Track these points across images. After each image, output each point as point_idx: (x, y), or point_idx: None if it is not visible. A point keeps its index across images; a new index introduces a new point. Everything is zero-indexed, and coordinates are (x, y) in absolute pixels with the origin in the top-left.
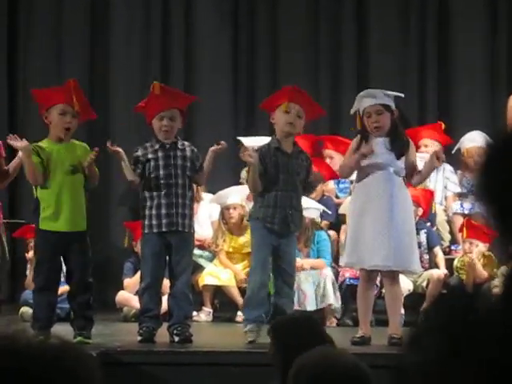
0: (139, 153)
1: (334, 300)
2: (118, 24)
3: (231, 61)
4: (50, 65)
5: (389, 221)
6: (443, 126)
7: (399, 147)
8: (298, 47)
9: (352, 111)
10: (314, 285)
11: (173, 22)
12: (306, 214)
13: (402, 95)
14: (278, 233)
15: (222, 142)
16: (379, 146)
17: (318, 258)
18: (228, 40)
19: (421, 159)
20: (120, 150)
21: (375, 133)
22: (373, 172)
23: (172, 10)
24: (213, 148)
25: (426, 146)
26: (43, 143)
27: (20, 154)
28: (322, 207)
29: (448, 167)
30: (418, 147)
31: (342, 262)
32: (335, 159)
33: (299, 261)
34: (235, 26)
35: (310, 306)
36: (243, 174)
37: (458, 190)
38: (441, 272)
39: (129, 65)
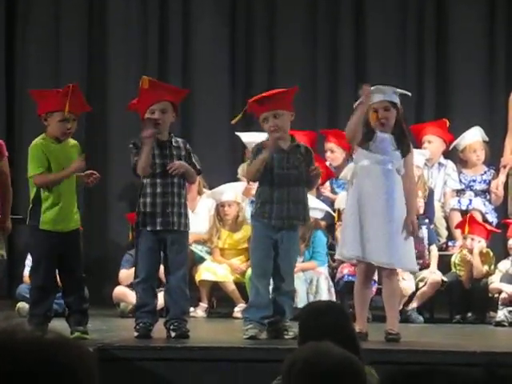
0: (138, 146)
1: (327, 297)
2: (115, 21)
3: (228, 56)
4: (47, 64)
5: (388, 219)
6: (448, 123)
7: (404, 145)
8: (296, 42)
9: (355, 105)
10: (307, 282)
11: (170, 18)
12: (310, 213)
13: (410, 94)
14: (274, 227)
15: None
16: (385, 142)
17: (312, 258)
18: (225, 36)
19: (422, 155)
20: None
21: (379, 128)
22: (374, 167)
23: (170, 5)
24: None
25: (429, 142)
26: (43, 140)
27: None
28: (327, 208)
29: (450, 164)
30: (421, 143)
31: (340, 254)
32: (336, 153)
33: None
34: (233, 22)
35: (301, 302)
36: (240, 169)
37: (458, 186)
38: (439, 277)
39: (126, 60)
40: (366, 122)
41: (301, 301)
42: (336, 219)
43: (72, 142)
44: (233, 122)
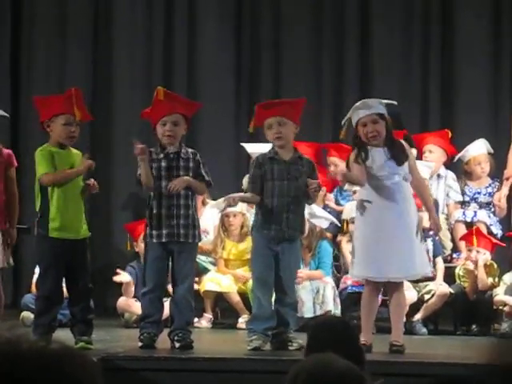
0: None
1: (332, 306)
2: (120, 30)
3: (234, 67)
4: (53, 72)
5: (408, 229)
6: (450, 134)
7: (398, 154)
8: (301, 53)
9: (343, 121)
10: (313, 292)
11: (175, 28)
12: (316, 222)
13: (396, 103)
14: (275, 239)
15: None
16: (380, 157)
17: (318, 267)
18: (230, 45)
19: (428, 168)
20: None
21: (371, 142)
22: (382, 184)
23: (175, 15)
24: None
25: (430, 151)
26: (49, 147)
27: None
28: (332, 218)
29: (450, 175)
30: (422, 152)
31: (352, 273)
32: (340, 167)
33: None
34: (238, 32)
35: (308, 312)
36: (245, 180)
37: (460, 198)
38: (447, 290)
39: (132, 70)
40: (359, 140)
41: (307, 311)
42: (344, 230)
43: (74, 151)
44: (250, 130)
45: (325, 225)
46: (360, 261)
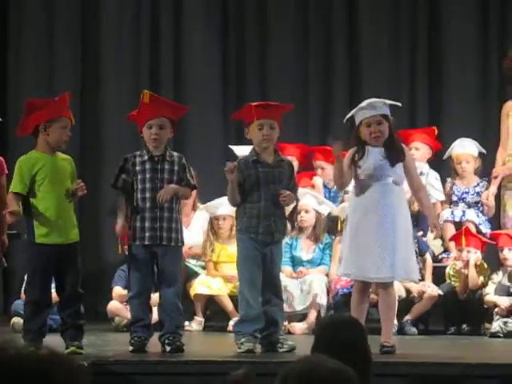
0: (128, 162)
1: (319, 291)
2: (108, 32)
3: (221, 70)
4: (40, 78)
5: (391, 232)
6: (436, 131)
7: (394, 155)
8: (288, 59)
9: (345, 119)
10: (300, 284)
11: (162, 34)
12: (321, 210)
13: (400, 105)
14: (262, 242)
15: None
16: (374, 156)
17: (321, 259)
18: (217, 48)
19: (418, 168)
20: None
21: (374, 142)
22: (370, 184)
23: (161, 23)
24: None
25: (416, 149)
26: (34, 154)
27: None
28: (332, 205)
29: (432, 173)
30: (408, 150)
31: (338, 271)
32: (327, 170)
33: (302, 268)
34: (224, 33)
35: (299, 305)
36: None
37: (442, 197)
38: (435, 292)
39: (119, 75)
40: (358, 138)
41: (298, 303)
42: (339, 229)
43: (63, 155)
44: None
45: (326, 211)
46: (344, 259)
